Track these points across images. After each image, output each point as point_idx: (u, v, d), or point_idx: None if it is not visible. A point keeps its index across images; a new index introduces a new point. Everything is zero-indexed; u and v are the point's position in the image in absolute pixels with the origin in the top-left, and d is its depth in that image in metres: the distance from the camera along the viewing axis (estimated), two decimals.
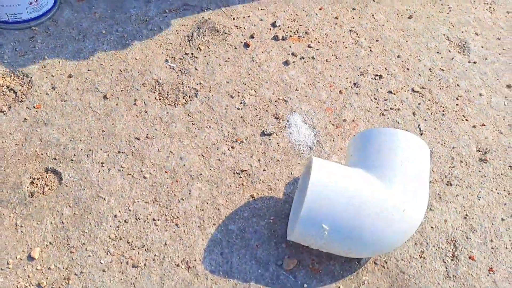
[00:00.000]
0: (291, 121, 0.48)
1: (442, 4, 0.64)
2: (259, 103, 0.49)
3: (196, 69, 0.51)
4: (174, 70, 0.50)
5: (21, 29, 0.49)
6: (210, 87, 0.50)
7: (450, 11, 0.63)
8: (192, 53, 0.52)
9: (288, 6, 0.59)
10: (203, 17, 0.55)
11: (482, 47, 0.59)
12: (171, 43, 0.52)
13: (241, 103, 0.48)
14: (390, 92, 0.53)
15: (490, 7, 0.65)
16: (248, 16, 0.57)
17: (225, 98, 0.48)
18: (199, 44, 0.53)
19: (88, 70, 0.48)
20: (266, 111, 0.49)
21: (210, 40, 0.53)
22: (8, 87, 0.47)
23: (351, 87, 0.53)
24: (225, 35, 0.54)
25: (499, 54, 0.59)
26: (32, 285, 0.37)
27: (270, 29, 0.56)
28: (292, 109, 0.49)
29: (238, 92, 0.50)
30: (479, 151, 0.49)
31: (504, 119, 0.52)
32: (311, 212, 0.35)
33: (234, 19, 0.56)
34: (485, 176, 0.47)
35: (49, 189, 0.41)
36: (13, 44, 0.48)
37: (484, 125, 0.51)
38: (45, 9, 0.50)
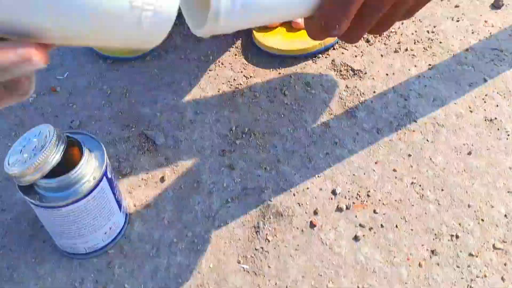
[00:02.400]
0: None
1: (498, 129, 0.62)
2: None
3: (269, 266, 0.51)
4: (248, 272, 0.50)
5: (99, 255, 0.51)
6: (287, 286, 0.50)
7: (508, 135, 0.61)
8: (262, 247, 0.52)
9: (343, 167, 0.59)
10: (264, 200, 0.56)
11: None
12: (239, 239, 0.53)
13: None
14: (471, 254, 0.51)
15: None
16: (307, 188, 0.57)
17: None
18: (267, 234, 0.53)
19: None
20: None
21: (276, 227, 0.54)
22: None
23: (430, 257, 0.51)
24: (290, 217, 0.55)
25: None
26: None
27: (332, 199, 0.57)
28: None
29: (316, 287, 0.49)
30: None
31: None
32: None
33: (294, 194, 0.57)
34: None
35: None
36: (93, 275, 0.50)
37: None
38: (118, 231, 0.53)
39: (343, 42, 0.75)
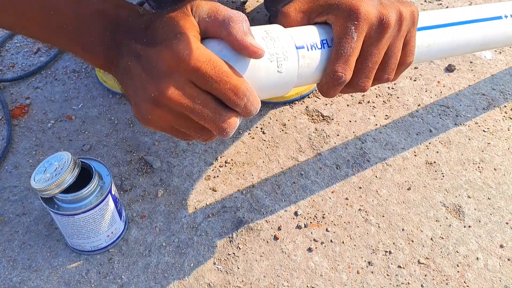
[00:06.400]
0: None
1: (436, 171, 0.78)
2: None
3: (238, 267, 0.66)
4: (221, 271, 0.65)
5: (101, 253, 0.66)
6: (251, 283, 0.64)
7: (443, 176, 0.77)
8: (233, 253, 0.67)
9: (306, 194, 0.75)
10: (239, 217, 0.71)
11: (475, 209, 0.72)
12: (216, 246, 0.68)
13: None
14: (399, 266, 0.66)
15: (479, 167, 0.79)
16: (275, 209, 0.72)
17: None
18: (238, 243, 0.68)
19: (155, 284, 0.63)
20: None
21: (246, 238, 0.69)
22: None
23: (366, 266, 0.66)
24: (258, 231, 0.70)
25: (491, 214, 0.72)
26: None
27: (293, 218, 0.72)
28: None
29: (274, 285, 0.64)
30: None
31: (500, 281, 0.64)
32: None
33: (263, 214, 0.72)
34: None
35: None
36: (96, 268, 0.65)
37: None
38: (118, 235, 0.67)
39: (317, 92, 0.92)
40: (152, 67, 0.36)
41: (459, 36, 0.55)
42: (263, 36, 0.39)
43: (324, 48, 0.43)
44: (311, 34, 0.43)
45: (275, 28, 0.41)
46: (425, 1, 1.16)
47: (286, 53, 0.40)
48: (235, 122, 0.38)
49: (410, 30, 0.44)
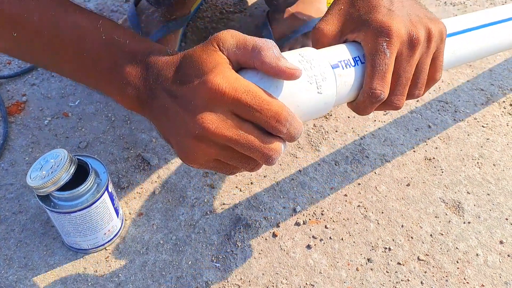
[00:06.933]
0: None
1: (435, 167, 0.78)
2: None
3: (236, 265, 0.65)
4: (219, 269, 0.64)
5: (98, 251, 0.65)
6: (249, 281, 0.63)
7: (442, 172, 0.77)
8: (232, 251, 0.66)
9: (304, 190, 0.74)
10: (237, 214, 0.71)
11: (474, 205, 0.72)
12: (214, 243, 0.67)
13: None
14: (399, 263, 0.65)
15: (478, 162, 0.78)
16: (273, 206, 0.72)
17: None
18: (237, 240, 0.68)
19: (153, 282, 0.62)
20: None
21: (245, 235, 0.68)
22: None
23: (366, 263, 0.65)
24: (256, 228, 0.69)
25: (490, 210, 0.71)
26: None
27: (292, 215, 0.71)
28: None
29: (273, 283, 0.63)
30: None
31: (500, 277, 0.63)
32: None
33: (261, 211, 0.71)
34: None
35: None
36: (93, 266, 0.64)
37: (484, 286, 0.63)
38: (115, 232, 0.67)
39: None
40: (191, 105, 0.36)
41: (484, 39, 0.55)
42: (299, 60, 0.40)
43: (357, 65, 0.43)
44: (343, 52, 0.43)
45: (308, 51, 0.41)
46: (445, 4, 1.15)
47: (324, 74, 0.40)
48: (279, 148, 0.39)
49: (438, 46, 0.45)
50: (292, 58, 0.40)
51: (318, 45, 0.46)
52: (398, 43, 0.42)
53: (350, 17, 0.45)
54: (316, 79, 0.40)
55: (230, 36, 0.37)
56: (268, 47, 0.36)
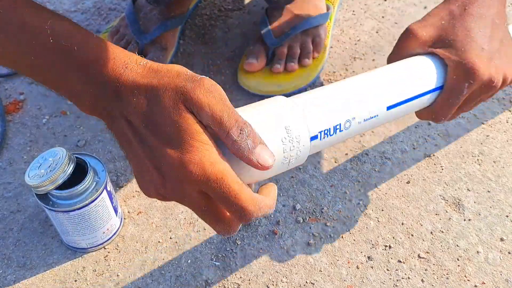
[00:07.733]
0: None
1: (435, 164, 0.77)
2: None
3: (236, 264, 0.65)
4: (219, 268, 0.64)
5: (97, 250, 0.65)
6: (249, 279, 0.63)
7: (442, 169, 0.76)
8: (231, 249, 0.66)
9: (304, 188, 0.74)
10: None
11: (474, 202, 0.72)
12: (214, 242, 0.67)
13: None
14: (399, 261, 0.65)
15: (478, 159, 0.78)
16: None
17: None
18: (236, 239, 0.67)
19: (152, 281, 0.62)
20: None
21: (244, 234, 0.68)
22: None
23: (366, 261, 0.65)
24: (256, 226, 0.69)
25: (491, 207, 0.71)
26: None
27: (292, 213, 0.71)
28: None
29: (273, 281, 0.63)
30: None
31: (501, 274, 0.63)
32: None
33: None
34: None
35: None
36: (92, 265, 0.64)
37: (484, 283, 0.62)
38: (114, 231, 0.66)
39: (315, 86, 0.91)
40: (160, 164, 0.34)
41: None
42: (283, 138, 0.39)
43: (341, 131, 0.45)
44: (331, 118, 0.43)
45: (297, 121, 0.40)
46: None
47: (299, 152, 0.41)
48: (236, 225, 0.41)
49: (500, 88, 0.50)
50: (277, 135, 0.38)
51: (403, 44, 0.49)
52: (478, 86, 0.47)
53: (445, 34, 0.47)
54: (290, 160, 0.40)
55: (207, 104, 0.35)
56: (242, 139, 0.35)
